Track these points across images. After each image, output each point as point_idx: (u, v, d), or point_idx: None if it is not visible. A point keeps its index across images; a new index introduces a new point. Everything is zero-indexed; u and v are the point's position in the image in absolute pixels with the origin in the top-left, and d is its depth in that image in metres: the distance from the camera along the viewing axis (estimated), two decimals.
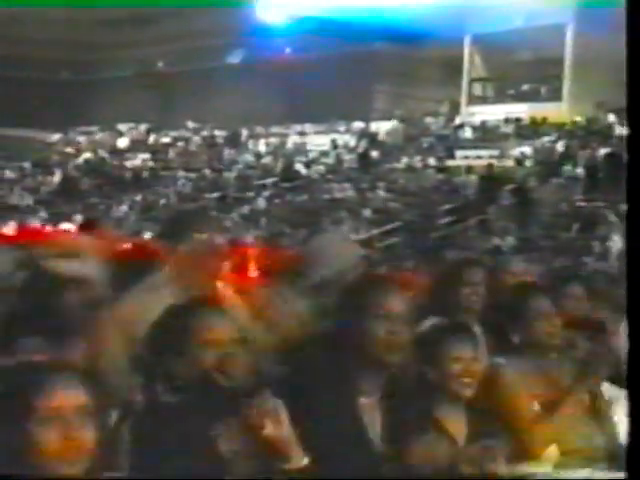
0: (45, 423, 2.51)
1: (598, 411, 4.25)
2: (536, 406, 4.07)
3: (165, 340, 3.29)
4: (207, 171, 30.84)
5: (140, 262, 5.29)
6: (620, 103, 27.21)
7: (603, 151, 23.72)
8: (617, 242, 13.33)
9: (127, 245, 5.90)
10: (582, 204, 20.86)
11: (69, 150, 36.29)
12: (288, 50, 32.65)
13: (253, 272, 5.94)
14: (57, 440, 2.52)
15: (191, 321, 3.27)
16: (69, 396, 2.57)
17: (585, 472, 3.53)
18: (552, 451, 3.95)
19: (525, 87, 30.62)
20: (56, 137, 37.55)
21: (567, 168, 23.43)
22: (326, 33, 29.56)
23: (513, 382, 4.14)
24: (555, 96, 28.83)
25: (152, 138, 36.17)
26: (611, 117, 26.83)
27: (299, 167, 29.29)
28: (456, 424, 3.70)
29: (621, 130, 25.89)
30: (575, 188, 21.97)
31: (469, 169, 25.05)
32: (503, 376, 4.14)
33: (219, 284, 4.66)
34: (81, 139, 37.31)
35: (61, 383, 2.59)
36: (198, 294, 3.98)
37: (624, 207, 19.52)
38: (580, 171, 22.88)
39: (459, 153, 27.24)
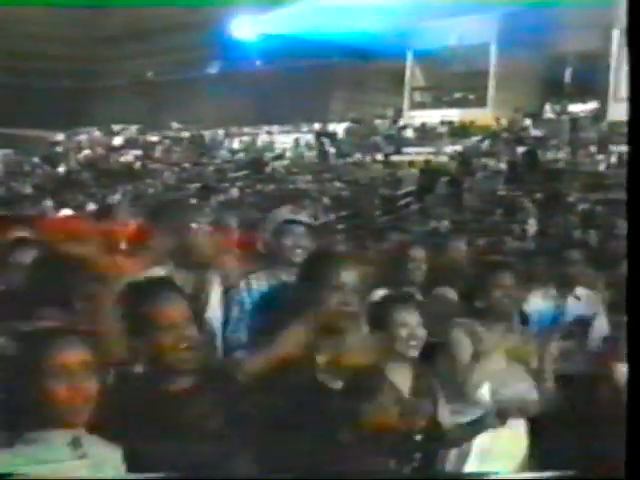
0: (55, 377, 2.56)
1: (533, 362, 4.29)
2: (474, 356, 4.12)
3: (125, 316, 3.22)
4: (188, 165, 30.79)
5: (134, 242, 5.28)
6: (534, 109, 27.46)
7: (520, 149, 23.87)
8: (532, 225, 13.38)
9: (125, 228, 5.86)
10: (504, 193, 21.00)
11: (71, 147, 36.15)
12: (258, 63, 32.54)
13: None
14: (65, 390, 2.55)
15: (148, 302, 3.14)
16: (74, 354, 2.59)
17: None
18: (485, 390, 3.98)
19: (457, 95, 30.68)
20: (60, 136, 37.43)
21: (491, 163, 23.58)
22: (291, 49, 29.48)
23: (461, 339, 4.19)
24: (481, 103, 28.91)
25: (142, 137, 36.09)
26: (527, 121, 27.02)
27: (267, 161, 29.27)
28: (403, 380, 3.73)
29: (535, 132, 26.07)
30: (498, 180, 22.11)
31: (411, 163, 25.14)
32: (454, 334, 4.21)
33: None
34: (82, 138, 37.18)
35: (67, 344, 2.63)
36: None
37: (538, 195, 19.69)
38: (502, 166, 23.04)
39: (402, 150, 27.32)
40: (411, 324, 3.79)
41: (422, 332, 3.82)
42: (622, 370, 4.20)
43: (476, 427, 4.01)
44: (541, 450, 4.20)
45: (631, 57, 2.76)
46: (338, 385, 3.39)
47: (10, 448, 2.54)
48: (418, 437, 3.63)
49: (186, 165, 30.82)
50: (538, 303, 5.47)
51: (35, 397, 2.56)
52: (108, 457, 2.68)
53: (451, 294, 5.04)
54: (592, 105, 26.64)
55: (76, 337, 2.68)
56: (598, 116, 26.06)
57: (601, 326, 5.39)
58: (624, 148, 22.85)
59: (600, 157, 22.96)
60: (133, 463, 2.73)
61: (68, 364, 2.59)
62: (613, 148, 23.05)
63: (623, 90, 26.23)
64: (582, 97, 26.98)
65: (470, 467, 3.97)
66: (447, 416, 3.84)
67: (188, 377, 2.98)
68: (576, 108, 26.91)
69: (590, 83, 26.70)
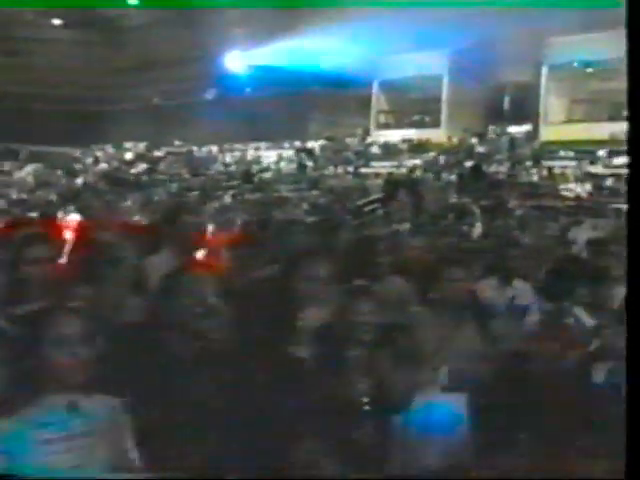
0: (53, 347, 2.54)
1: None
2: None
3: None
4: (188, 176, 30.67)
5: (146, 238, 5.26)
6: (479, 130, 27.56)
7: (468, 163, 23.94)
8: (478, 227, 13.41)
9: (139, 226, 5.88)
10: (455, 200, 21.04)
11: (89, 161, 35.94)
12: (248, 90, 32.46)
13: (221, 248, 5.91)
14: (63, 357, 2.50)
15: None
16: (71, 326, 2.56)
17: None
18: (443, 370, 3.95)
19: (415, 117, 30.76)
20: (80, 152, 37.15)
21: (444, 175, 23.63)
22: (275, 79, 29.49)
23: (424, 324, 4.18)
24: (435, 124, 28.99)
25: (149, 153, 35.93)
26: (474, 139, 27.11)
27: (255, 173, 29.21)
28: (363, 362, 3.68)
29: (480, 149, 26.18)
30: (450, 189, 22.15)
31: (376, 175, 25.15)
32: (418, 320, 4.19)
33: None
34: (98, 154, 36.93)
35: (65, 319, 2.61)
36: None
37: (484, 202, 19.74)
38: (453, 177, 23.08)
39: (370, 164, 27.35)
40: (366, 311, 3.75)
41: (375, 319, 3.77)
42: (554, 348, 4.22)
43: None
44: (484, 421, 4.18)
45: (631, 57, 2.48)
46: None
47: (14, 415, 2.48)
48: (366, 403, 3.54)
49: (186, 176, 30.69)
50: (484, 293, 5.50)
51: (35, 366, 2.52)
52: (106, 412, 2.60)
53: (402, 283, 5.00)
54: (526, 127, 26.78)
55: (71, 312, 2.65)
56: (531, 136, 26.22)
57: (535, 312, 5.42)
58: (553, 163, 23.01)
59: (534, 170, 23.08)
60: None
61: (65, 334, 2.55)
62: (544, 163, 23.20)
63: (551, 115, 26.43)
64: (518, 121, 27.11)
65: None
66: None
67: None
68: (513, 129, 27.04)
69: (524, 109, 26.86)
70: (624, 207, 17.63)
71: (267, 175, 28.87)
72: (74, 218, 10.81)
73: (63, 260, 3.97)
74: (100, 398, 2.62)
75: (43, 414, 2.51)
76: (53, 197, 24.73)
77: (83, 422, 2.56)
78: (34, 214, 14.75)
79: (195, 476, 2.71)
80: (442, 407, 3.89)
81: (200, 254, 4.72)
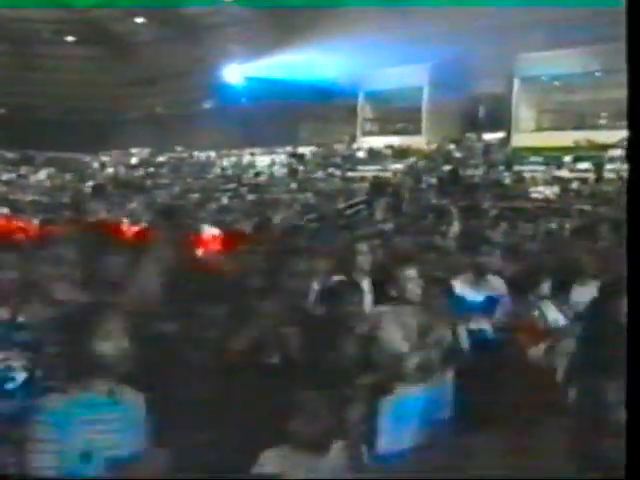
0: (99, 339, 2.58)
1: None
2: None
3: None
4: (189, 179, 30.59)
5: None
6: (457, 137, 27.60)
7: (446, 168, 23.94)
8: (455, 226, 13.39)
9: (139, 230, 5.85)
10: (434, 202, 21.03)
11: (98, 166, 35.84)
12: (244, 100, 32.40)
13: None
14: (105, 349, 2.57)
15: None
16: (113, 323, 2.62)
17: None
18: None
19: (398, 125, 30.74)
20: (89, 158, 37.06)
21: (425, 178, 23.62)
22: (269, 90, 29.44)
23: (387, 321, 4.14)
24: (417, 131, 28.98)
25: (153, 158, 35.82)
26: (451, 146, 27.11)
27: (250, 177, 29.16)
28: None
29: (457, 154, 26.20)
30: (430, 191, 22.15)
31: (362, 178, 25.13)
32: (383, 317, 4.16)
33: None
34: (106, 159, 36.82)
35: (110, 316, 2.64)
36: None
37: (462, 203, 19.73)
38: (433, 180, 23.07)
39: (356, 168, 27.33)
40: (355, 303, 3.74)
41: (365, 311, 3.76)
42: (522, 339, 4.23)
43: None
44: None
45: (631, 59, 2.41)
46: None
47: (65, 394, 2.55)
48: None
49: (187, 179, 30.60)
50: (461, 286, 5.49)
51: (83, 354, 2.56)
52: (136, 402, 2.65)
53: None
54: (499, 134, 26.82)
55: (115, 309, 2.68)
56: (504, 143, 26.26)
57: (505, 303, 5.42)
58: (524, 168, 23.06)
59: (506, 174, 23.11)
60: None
61: (109, 329, 2.59)
62: (516, 168, 23.23)
63: (522, 124, 26.50)
64: (492, 129, 27.15)
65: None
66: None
67: None
68: (488, 137, 27.08)
69: (498, 118, 26.91)
70: (588, 208, 17.70)
71: (261, 178, 28.83)
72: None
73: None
74: (129, 391, 2.68)
75: (87, 397, 2.57)
76: (65, 199, 24.62)
77: (119, 409, 2.61)
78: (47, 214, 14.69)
79: (198, 476, 2.68)
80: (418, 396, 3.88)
81: (198, 254, 4.69)
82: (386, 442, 3.41)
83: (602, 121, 25.20)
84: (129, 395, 2.66)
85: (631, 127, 2.43)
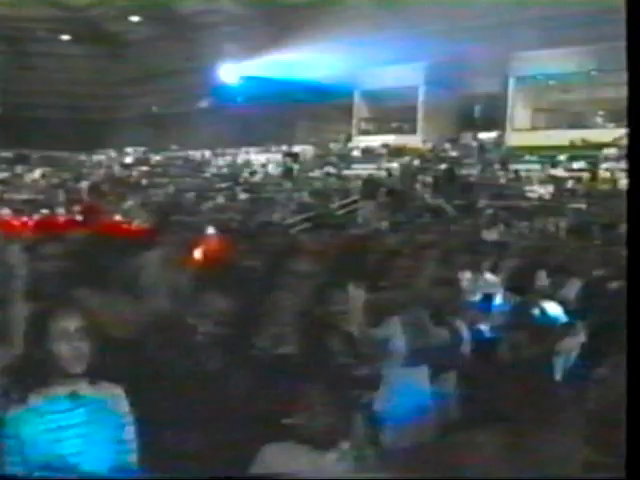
0: (57, 340, 2.53)
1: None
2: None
3: None
4: (185, 179, 30.54)
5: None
6: (452, 136, 27.62)
7: (442, 166, 23.94)
8: (451, 225, 13.40)
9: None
10: (430, 200, 21.06)
11: (93, 165, 35.78)
12: (239, 99, 32.37)
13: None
14: (66, 350, 2.52)
15: None
16: (72, 321, 2.57)
17: None
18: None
19: (393, 124, 30.72)
20: (84, 157, 36.99)
21: (420, 177, 23.61)
22: (265, 89, 29.41)
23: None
24: (412, 131, 28.98)
25: (148, 157, 35.76)
26: (447, 145, 27.12)
27: (245, 176, 29.13)
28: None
29: (453, 153, 26.22)
30: (425, 190, 22.16)
31: (357, 177, 25.11)
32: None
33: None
34: (102, 158, 36.76)
35: (66, 315, 2.59)
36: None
37: (456, 202, 19.75)
38: (428, 179, 23.04)
39: (351, 167, 27.32)
40: (348, 300, 3.73)
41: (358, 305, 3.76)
42: (521, 337, 4.24)
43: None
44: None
45: (631, 58, 2.34)
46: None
47: (24, 405, 2.46)
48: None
49: (183, 178, 30.55)
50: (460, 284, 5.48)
51: (43, 356, 2.50)
52: (107, 399, 2.57)
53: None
54: (495, 134, 26.85)
55: (74, 310, 2.63)
56: (499, 142, 26.28)
57: (500, 301, 5.44)
58: (519, 166, 23.10)
59: (501, 173, 23.13)
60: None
61: (67, 328, 2.53)
62: (511, 166, 23.27)
63: (517, 123, 26.55)
64: (487, 128, 27.18)
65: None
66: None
67: None
68: (483, 136, 27.11)
69: (493, 117, 26.94)
70: (582, 206, 17.75)
71: (256, 177, 28.80)
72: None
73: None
74: (103, 385, 2.60)
75: (49, 403, 2.50)
76: (61, 198, 24.57)
77: (86, 410, 2.54)
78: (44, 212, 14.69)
79: (195, 476, 2.63)
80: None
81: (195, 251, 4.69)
82: (387, 438, 3.43)
83: (597, 120, 25.26)
84: (101, 391, 2.59)
85: (631, 126, 2.39)
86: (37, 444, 2.43)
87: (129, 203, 23.28)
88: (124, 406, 2.61)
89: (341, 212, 21.44)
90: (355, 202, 22.21)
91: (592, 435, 2.44)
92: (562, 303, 5.04)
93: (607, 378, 2.59)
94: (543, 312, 4.76)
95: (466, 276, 5.69)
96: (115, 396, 2.60)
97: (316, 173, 27.37)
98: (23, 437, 2.43)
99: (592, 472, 2.47)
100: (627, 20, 2.35)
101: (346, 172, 26.65)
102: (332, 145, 30.87)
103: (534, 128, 26.39)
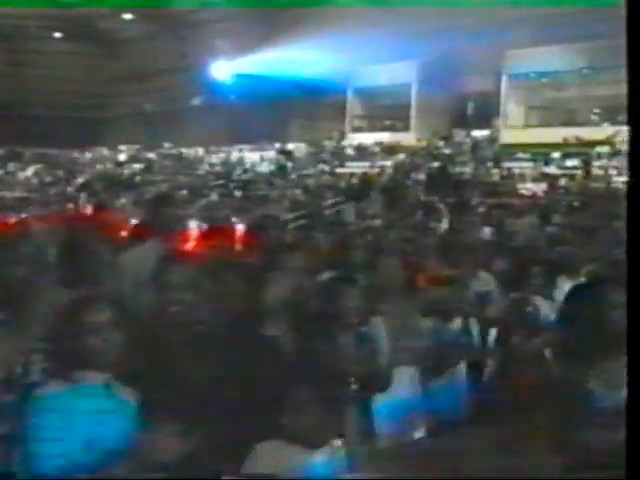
0: (89, 332, 2.60)
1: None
2: None
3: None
4: (178, 176, 30.50)
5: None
6: (445, 133, 27.66)
7: (435, 164, 23.97)
8: (444, 223, 13.50)
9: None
10: (423, 198, 21.07)
11: (87, 162, 35.73)
12: (232, 97, 32.35)
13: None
14: (96, 345, 2.61)
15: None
16: (102, 314, 2.64)
17: None
18: None
19: (386, 122, 30.77)
20: (78, 154, 36.93)
21: (413, 175, 23.64)
22: (258, 86, 29.41)
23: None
24: (405, 128, 29.04)
25: (141, 154, 35.70)
26: (440, 142, 27.15)
27: (239, 173, 29.10)
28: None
29: (446, 151, 26.24)
30: (418, 188, 22.16)
31: (351, 175, 25.13)
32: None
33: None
34: (95, 155, 36.72)
35: (96, 308, 2.67)
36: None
37: (450, 200, 19.75)
38: (421, 177, 23.08)
39: (345, 164, 27.33)
40: (352, 297, 3.73)
41: (361, 304, 3.76)
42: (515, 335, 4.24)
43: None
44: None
45: (631, 57, 2.33)
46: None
47: (65, 385, 2.57)
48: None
49: (176, 176, 30.52)
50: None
51: (76, 347, 2.59)
52: (127, 395, 2.66)
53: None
54: (488, 131, 26.90)
55: (103, 302, 2.69)
56: (492, 140, 26.33)
57: (494, 298, 5.44)
58: (512, 164, 23.15)
59: (495, 171, 23.18)
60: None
61: (96, 322, 2.60)
62: (504, 164, 23.32)
63: (510, 120, 26.60)
64: (480, 125, 27.23)
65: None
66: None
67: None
68: (476, 133, 27.15)
69: (486, 115, 26.99)
70: (576, 204, 17.78)
71: (250, 175, 28.77)
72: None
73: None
74: (120, 386, 2.70)
75: (85, 387, 2.60)
76: (54, 195, 24.49)
77: (113, 401, 2.63)
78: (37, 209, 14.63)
79: (192, 475, 2.63)
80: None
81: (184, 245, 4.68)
82: (382, 438, 3.42)
83: (590, 118, 25.32)
84: (121, 389, 2.68)
85: (631, 125, 2.39)
86: (73, 423, 2.49)
87: (122, 200, 23.23)
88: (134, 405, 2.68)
89: (334, 209, 21.40)
90: (349, 200, 22.17)
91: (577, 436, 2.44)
92: (555, 301, 5.05)
93: (599, 377, 2.60)
94: (536, 310, 4.76)
95: (460, 274, 5.68)
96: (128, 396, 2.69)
97: (310, 171, 27.36)
98: (62, 414, 2.50)
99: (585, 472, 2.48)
100: (627, 20, 2.34)
101: (340, 170, 26.66)
102: (326, 143, 30.87)
103: (527, 126, 26.44)
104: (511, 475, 2.50)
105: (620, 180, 18.48)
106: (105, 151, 37.00)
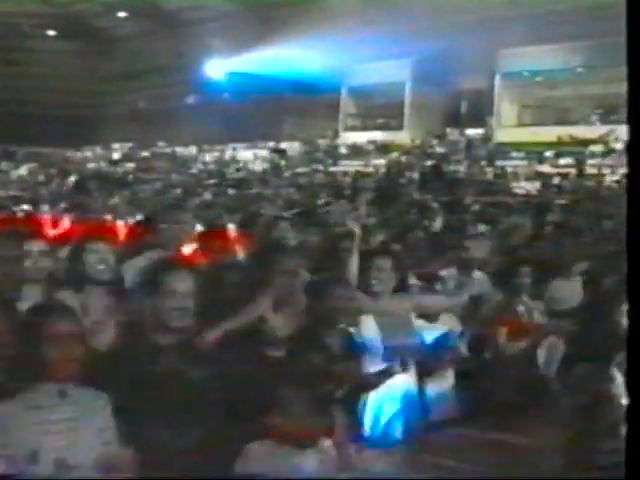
0: (50, 343, 2.53)
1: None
2: None
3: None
4: (172, 175, 30.43)
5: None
6: (439, 132, 27.66)
7: (429, 163, 23.98)
8: (438, 221, 13.46)
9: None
10: (417, 197, 21.04)
11: (80, 161, 35.63)
12: (226, 95, 32.29)
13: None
14: (58, 355, 2.52)
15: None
16: (66, 326, 2.56)
17: None
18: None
19: (380, 120, 30.75)
20: (71, 153, 36.81)
21: (407, 173, 23.63)
22: (251, 85, 29.38)
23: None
24: (399, 127, 29.03)
25: (135, 153, 35.62)
26: (434, 141, 27.16)
27: (233, 172, 29.06)
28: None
29: (440, 149, 26.25)
30: (412, 186, 22.16)
31: (345, 173, 25.12)
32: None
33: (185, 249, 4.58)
34: (88, 154, 36.61)
35: (61, 318, 2.60)
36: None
37: (444, 198, 19.73)
38: (415, 175, 23.08)
39: (338, 163, 27.32)
40: (344, 297, 3.72)
41: (356, 304, 3.75)
42: (503, 330, 4.23)
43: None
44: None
45: (631, 57, 2.35)
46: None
47: (12, 398, 2.50)
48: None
49: (169, 175, 30.46)
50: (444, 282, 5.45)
51: (32, 358, 2.52)
52: (93, 403, 2.59)
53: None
54: (482, 130, 26.92)
55: (68, 312, 2.64)
56: (486, 138, 26.35)
57: (488, 298, 5.42)
58: (506, 163, 23.16)
59: (489, 169, 23.19)
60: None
61: (59, 333, 2.53)
62: (498, 163, 23.33)
63: (504, 119, 26.63)
64: (474, 124, 27.24)
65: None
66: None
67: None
68: (470, 132, 27.17)
69: (480, 113, 27.01)
70: (569, 203, 17.79)
71: (244, 173, 28.73)
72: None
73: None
74: (89, 390, 2.63)
75: (37, 399, 2.53)
76: (47, 194, 24.38)
77: (71, 408, 2.56)
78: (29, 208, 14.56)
79: (190, 476, 2.61)
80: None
81: (183, 250, 4.64)
82: (371, 438, 3.41)
83: (584, 116, 25.35)
84: (87, 394, 2.62)
85: (631, 125, 2.40)
86: (19, 436, 2.45)
87: (115, 200, 23.16)
88: (108, 411, 2.63)
89: (328, 208, 21.37)
90: (342, 198, 22.12)
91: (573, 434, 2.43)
92: (547, 300, 5.04)
93: (591, 376, 2.59)
94: (527, 309, 4.76)
95: (452, 273, 5.67)
96: (99, 400, 2.63)
97: (303, 169, 27.33)
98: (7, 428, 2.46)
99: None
100: (627, 19, 2.36)
101: (333, 168, 26.64)
102: (319, 141, 30.84)
103: (521, 124, 26.48)
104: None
105: (614, 179, 18.52)
106: (99, 150, 36.90)
